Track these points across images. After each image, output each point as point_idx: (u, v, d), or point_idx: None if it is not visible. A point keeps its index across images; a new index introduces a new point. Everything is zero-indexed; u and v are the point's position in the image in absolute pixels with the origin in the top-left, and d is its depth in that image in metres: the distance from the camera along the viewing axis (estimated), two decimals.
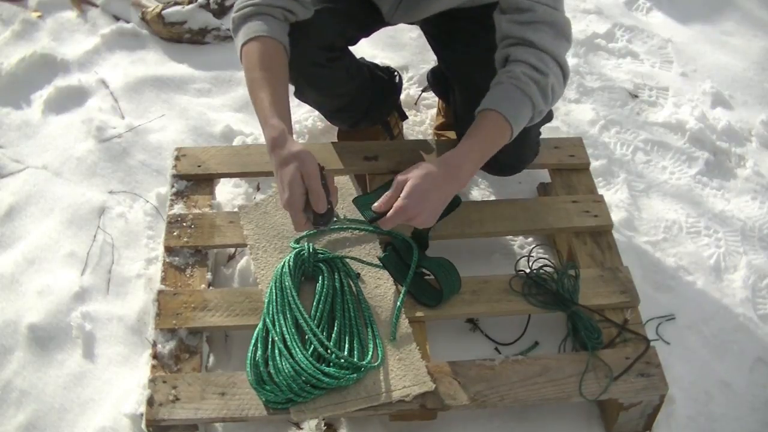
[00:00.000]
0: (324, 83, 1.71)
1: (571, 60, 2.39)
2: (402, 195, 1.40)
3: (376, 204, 1.43)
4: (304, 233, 1.63)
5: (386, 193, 1.43)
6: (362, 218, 1.66)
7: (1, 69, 2.22)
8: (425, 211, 1.41)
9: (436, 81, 2.03)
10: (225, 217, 1.68)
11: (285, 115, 1.43)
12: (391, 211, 1.40)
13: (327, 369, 1.38)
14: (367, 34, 1.76)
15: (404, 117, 2.01)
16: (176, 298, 1.53)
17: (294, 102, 1.99)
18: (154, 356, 1.46)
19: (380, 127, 1.97)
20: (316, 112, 2.08)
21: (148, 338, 1.61)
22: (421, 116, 2.16)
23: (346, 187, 1.75)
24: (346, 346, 1.44)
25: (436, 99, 2.17)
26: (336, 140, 2.00)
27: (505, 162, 1.68)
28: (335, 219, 1.47)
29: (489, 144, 1.46)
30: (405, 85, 2.22)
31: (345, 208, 1.69)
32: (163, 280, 1.58)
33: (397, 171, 1.78)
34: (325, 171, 1.38)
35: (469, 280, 1.58)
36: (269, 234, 1.64)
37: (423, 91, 2.19)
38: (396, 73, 1.97)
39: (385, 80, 1.93)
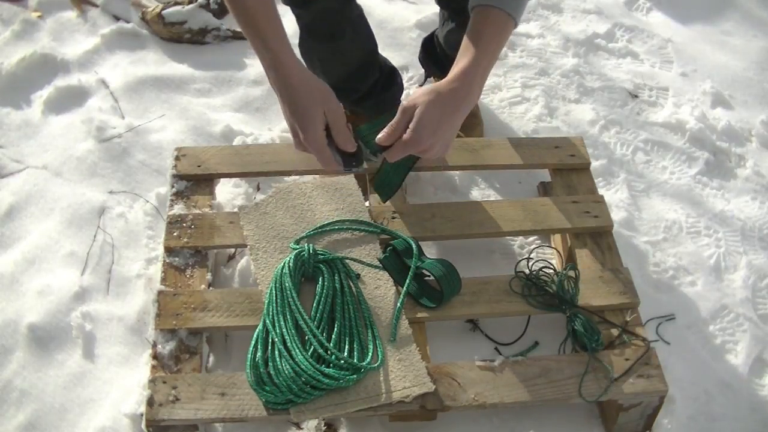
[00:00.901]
0: (338, 28, 1.65)
1: (570, 60, 2.39)
2: (411, 126, 1.28)
3: (381, 135, 1.31)
4: (304, 234, 1.63)
5: (392, 122, 1.30)
6: (362, 218, 1.67)
7: (1, 69, 2.22)
8: (438, 143, 1.29)
9: (426, 54, 2.01)
10: (225, 218, 1.68)
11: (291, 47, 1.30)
12: (399, 142, 1.29)
13: (327, 370, 1.38)
14: None
15: None
16: (176, 298, 1.53)
17: None
18: (154, 356, 1.46)
19: None
20: None
21: (148, 338, 1.61)
22: None
23: (348, 186, 1.74)
24: (346, 347, 1.44)
25: None
26: None
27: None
28: (373, 159, 1.31)
29: (494, 48, 1.34)
30: (405, 85, 2.22)
31: (345, 208, 1.69)
32: (163, 280, 1.58)
33: None
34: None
35: (469, 281, 1.58)
36: (269, 234, 1.64)
37: (420, 86, 2.20)
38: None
39: (390, 67, 1.93)
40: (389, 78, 1.95)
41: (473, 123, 2.06)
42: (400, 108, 1.30)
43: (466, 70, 1.31)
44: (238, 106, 2.19)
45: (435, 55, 2.04)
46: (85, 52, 2.32)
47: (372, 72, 1.84)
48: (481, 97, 2.20)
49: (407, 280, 1.55)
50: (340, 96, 1.93)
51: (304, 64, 1.31)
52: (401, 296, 1.54)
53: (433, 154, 1.32)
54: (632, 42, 2.54)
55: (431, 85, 1.31)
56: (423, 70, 2.22)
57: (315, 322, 1.45)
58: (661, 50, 2.53)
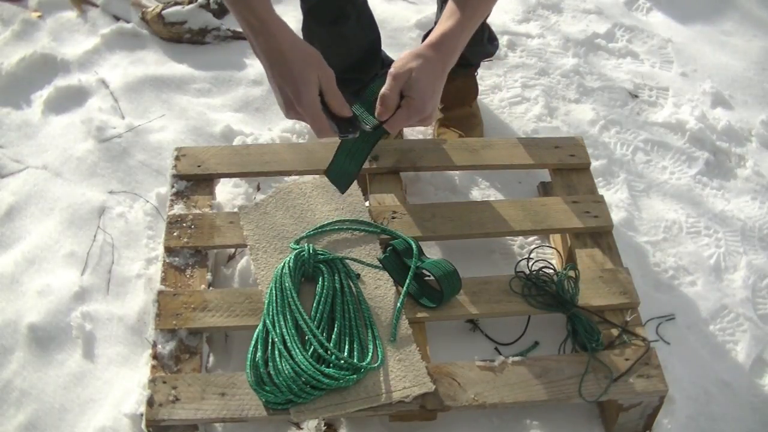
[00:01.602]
0: (342, 12, 1.65)
1: (570, 60, 2.39)
2: (414, 94, 1.26)
3: (378, 110, 1.29)
4: (304, 234, 1.63)
5: (383, 91, 1.27)
6: (362, 218, 1.67)
7: (1, 69, 2.22)
8: (435, 108, 1.28)
9: None
10: (225, 218, 1.68)
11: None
12: (401, 111, 1.27)
13: (327, 370, 1.38)
14: None
15: None
16: (176, 298, 1.53)
17: None
18: (154, 356, 1.46)
19: None
20: None
21: (148, 338, 1.61)
22: None
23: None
24: (346, 347, 1.44)
25: None
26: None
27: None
28: (368, 129, 1.27)
29: (479, 16, 1.35)
30: None
31: (345, 208, 1.69)
32: (163, 280, 1.58)
33: (396, 170, 1.80)
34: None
35: (469, 281, 1.58)
36: (269, 234, 1.64)
37: None
38: None
39: (391, 61, 1.93)
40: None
41: (473, 123, 2.06)
42: (389, 75, 1.27)
43: (449, 32, 1.30)
44: (238, 106, 2.19)
45: None
46: (85, 52, 2.32)
47: (375, 62, 1.82)
48: (481, 97, 2.20)
49: (407, 280, 1.55)
50: (341, 87, 1.94)
51: (292, 29, 1.28)
52: (401, 296, 1.54)
53: (430, 121, 1.31)
54: (632, 42, 2.54)
55: (412, 50, 1.29)
56: None
57: (315, 322, 1.45)
58: (661, 50, 2.53)
